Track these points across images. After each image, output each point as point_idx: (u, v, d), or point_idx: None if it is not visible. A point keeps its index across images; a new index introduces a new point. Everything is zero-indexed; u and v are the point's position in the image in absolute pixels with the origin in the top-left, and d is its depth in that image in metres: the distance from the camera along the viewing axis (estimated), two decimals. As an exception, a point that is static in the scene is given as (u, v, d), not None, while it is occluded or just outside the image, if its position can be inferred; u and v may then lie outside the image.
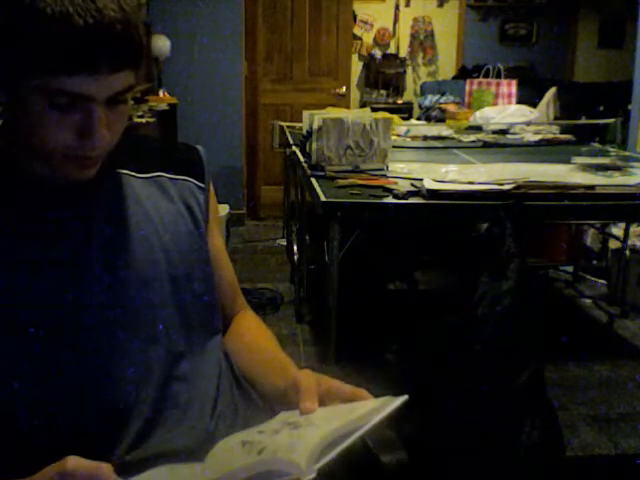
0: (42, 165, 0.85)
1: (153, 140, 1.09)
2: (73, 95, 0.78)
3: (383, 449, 0.99)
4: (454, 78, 6.25)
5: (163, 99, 4.29)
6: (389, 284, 3.81)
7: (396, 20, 6.64)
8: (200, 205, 1.01)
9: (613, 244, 3.66)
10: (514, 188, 2.28)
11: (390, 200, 2.29)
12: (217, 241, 1.07)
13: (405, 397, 0.80)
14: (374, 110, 3.96)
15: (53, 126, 0.79)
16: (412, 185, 2.42)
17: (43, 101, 0.78)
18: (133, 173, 0.96)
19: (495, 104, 4.40)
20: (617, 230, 3.60)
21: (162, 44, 4.40)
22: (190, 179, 1.01)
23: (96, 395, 0.87)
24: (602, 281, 3.80)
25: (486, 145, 3.60)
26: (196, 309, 0.94)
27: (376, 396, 0.87)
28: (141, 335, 0.88)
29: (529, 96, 4.66)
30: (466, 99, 4.69)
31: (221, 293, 1.05)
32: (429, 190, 2.27)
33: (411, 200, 2.29)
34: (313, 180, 2.53)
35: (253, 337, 1.09)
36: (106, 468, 0.70)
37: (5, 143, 0.89)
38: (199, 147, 1.07)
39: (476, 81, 4.72)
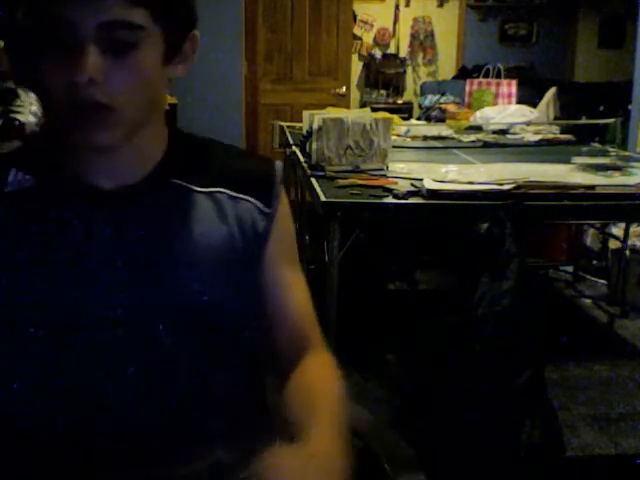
0: (64, 132, 0.82)
1: (228, 149, 0.99)
2: (60, 25, 0.74)
3: (399, 469, 0.93)
4: (454, 78, 6.25)
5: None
6: (389, 284, 3.81)
7: (396, 20, 6.64)
8: (257, 232, 0.92)
9: (613, 244, 3.66)
10: (514, 188, 2.28)
11: (390, 200, 2.29)
12: (285, 275, 0.96)
13: None
14: (374, 110, 3.96)
15: (50, 71, 0.76)
16: (412, 185, 2.42)
17: (39, 46, 0.76)
18: (191, 186, 0.90)
19: (495, 104, 4.40)
20: (617, 230, 3.60)
21: (162, 44, 4.39)
22: (254, 200, 0.92)
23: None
24: (602, 281, 3.80)
25: (486, 145, 3.59)
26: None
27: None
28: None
29: (529, 96, 4.66)
30: (466, 99, 4.69)
31: (283, 331, 0.97)
32: (429, 190, 2.27)
33: (411, 200, 2.29)
34: (313, 180, 2.53)
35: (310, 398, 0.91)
36: None
37: (48, 142, 0.89)
38: (277, 164, 0.98)
39: (476, 81, 4.72)
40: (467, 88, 4.69)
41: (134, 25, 0.76)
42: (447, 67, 6.73)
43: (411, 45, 6.75)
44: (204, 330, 0.93)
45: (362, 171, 2.66)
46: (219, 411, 0.95)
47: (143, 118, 0.84)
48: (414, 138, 3.69)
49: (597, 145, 3.72)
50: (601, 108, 4.89)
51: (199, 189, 0.90)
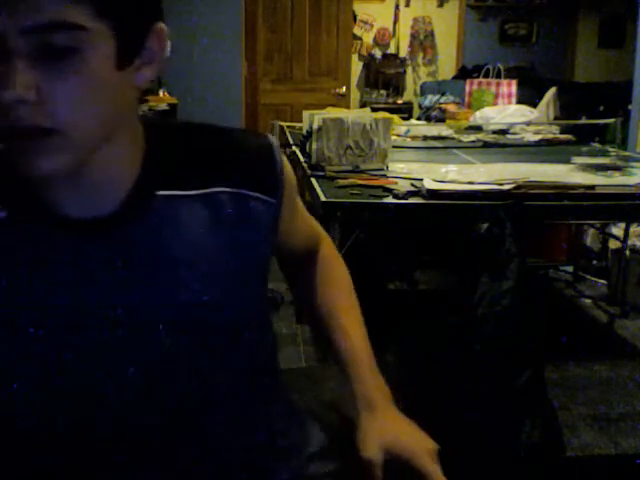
0: (12, 162, 0.69)
1: (214, 137, 0.89)
2: None
3: None
4: (454, 78, 6.26)
5: (163, 99, 4.29)
6: (389, 284, 3.80)
7: (396, 20, 6.64)
8: (260, 222, 0.86)
9: (613, 244, 3.66)
10: (514, 188, 2.28)
11: (390, 200, 2.29)
12: (291, 218, 0.98)
13: None
14: (374, 110, 3.95)
15: None
16: (412, 185, 2.42)
17: None
18: (181, 192, 0.80)
19: (495, 104, 4.40)
20: (617, 230, 3.60)
21: (162, 44, 4.39)
22: (256, 194, 0.86)
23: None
24: (602, 281, 3.80)
25: (486, 145, 3.59)
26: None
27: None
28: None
29: (529, 96, 4.66)
30: (466, 99, 4.69)
31: (290, 245, 1.05)
32: (429, 190, 2.27)
33: (411, 200, 2.29)
34: (313, 180, 2.53)
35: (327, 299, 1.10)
36: None
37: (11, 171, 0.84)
38: (273, 141, 0.89)
39: (476, 81, 4.72)
40: (467, 88, 4.69)
41: (71, 25, 0.63)
42: (447, 67, 6.73)
43: (411, 45, 6.75)
44: (204, 330, 0.93)
45: (362, 171, 2.66)
46: (219, 411, 0.95)
47: (102, 137, 0.71)
48: (414, 138, 3.70)
49: (597, 145, 3.71)
50: (601, 108, 4.89)
51: (192, 193, 0.81)
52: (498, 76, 4.88)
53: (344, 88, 5.40)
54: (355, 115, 2.84)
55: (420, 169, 2.69)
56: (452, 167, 2.67)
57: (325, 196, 2.29)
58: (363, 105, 6.10)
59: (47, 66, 0.63)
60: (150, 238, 0.79)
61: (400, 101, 6.52)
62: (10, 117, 0.64)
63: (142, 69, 0.73)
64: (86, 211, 0.76)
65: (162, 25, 0.76)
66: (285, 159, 0.92)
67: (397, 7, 6.60)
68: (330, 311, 1.08)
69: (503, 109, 4.11)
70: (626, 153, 3.50)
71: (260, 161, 0.88)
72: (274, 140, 0.90)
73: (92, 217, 0.76)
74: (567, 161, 2.89)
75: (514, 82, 4.55)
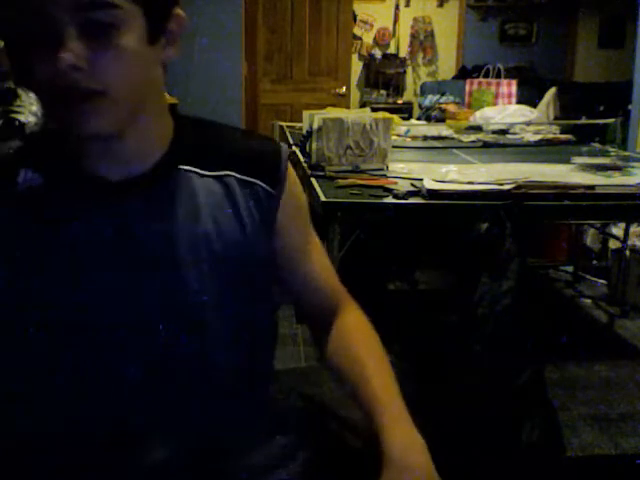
0: (59, 123, 0.82)
1: (234, 131, 1.00)
2: (36, 15, 0.74)
3: None
4: (454, 78, 6.25)
5: (163, 99, 4.29)
6: (389, 284, 3.80)
7: (396, 20, 6.64)
8: (264, 212, 0.93)
9: (613, 244, 3.66)
10: (514, 188, 2.28)
11: (390, 200, 2.29)
12: (296, 239, 1.00)
13: None
14: (374, 110, 3.94)
15: (35, 63, 0.76)
16: (412, 185, 2.42)
17: (23, 41, 0.76)
18: (199, 170, 0.91)
19: (495, 104, 4.40)
20: (617, 230, 3.60)
21: (162, 44, 4.39)
22: (259, 183, 0.94)
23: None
24: (602, 281, 3.80)
25: (486, 145, 3.59)
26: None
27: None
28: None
29: (529, 96, 4.66)
30: (466, 99, 4.69)
31: (312, 296, 1.01)
32: (429, 190, 2.27)
33: (411, 200, 2.29)
34: (313, 180, 2.53)
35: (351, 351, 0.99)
36: None
37: (51, 138, 0.89)
38: (283, 146, 0.99)
39: (476, 81, 4.72)
40: (467, 88, 4.69)
41: (110, 5, 0.75)
42: (447, 67, 6.73)
43: (411, 45, 6.75)
44: (204, 330, 0.93)
45: (362, 171, 2.66)
46: (219, 410, 0.95)
47: (138, 102, 0.82)
48: (414, 138, 3.69)
49: (597, 145, 3.71)
50: (601, 108, 4.89)
51: (208, 173, 0.91)
52: (498, 76, 4.88)
53: (344, 88, 5.40)
54: (355, 115, 2.84)
55: (420, 169, 2.69)
56: (452, 167, 2.67)
57: (325, 196, 2.29)
58: (363, 105, 6.10)
59: (91, 39, 0.74)
60: (170, 203, 0.87)
61: (400, 101, 6.52)
62: (65, 82, 0.74)
63: (167, 49, 0.85)
64: (117, 173, 0.86)
65: (180, 10, 0.85)
66: (292, 168, 0.98)
67: (397, 7, 6.60)
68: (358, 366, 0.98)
69: (503, 109, 4.11)
70: (626, 153, 3.49)
71: (267, 157, 0.96)
72: (285, 148, 0.99)
73: (122, 179, 0.85)
74: (567, 161, 2.89)
75: (514, 82, 4.55)
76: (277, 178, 0.95)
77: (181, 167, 0.90)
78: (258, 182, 0.93)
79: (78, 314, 0.85)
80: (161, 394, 0.89)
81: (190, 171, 0.90)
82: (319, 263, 1.05)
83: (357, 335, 1.02)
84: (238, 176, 0.92)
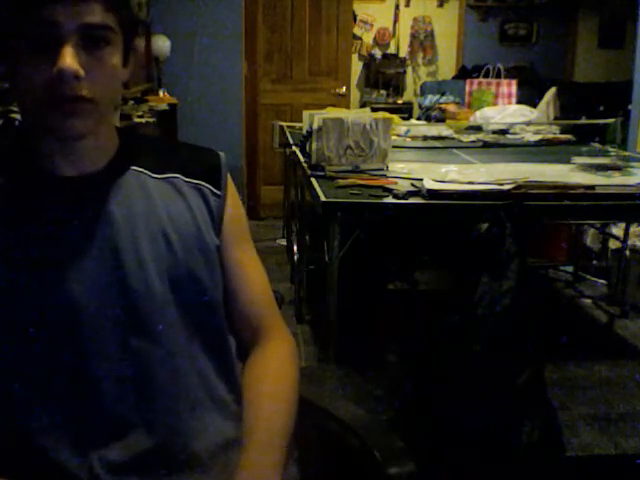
0: (40, 123, 0.87)
1: (174, 142, 1.11)
2: (42, 24, 0.81)
3: (390, 460, 0.95)
4: (454, 78, 6.25)
5: (163, 99, 4.29)
6: (389, 284, 3.80)
7: (396, 20, 6.64)
8: (212, 211, 0.98)
9: (613, 244, 3.66)
10: (514, 188, 2.28)
11: (390, 200, 2.29)
12: (238, 255, 1.01)
13: None
14: (374, 110, 3.95)
15: (31, 66, 0.83)
16: (412, 185, 2.42)
17: (22, 45, 0.82)
18: (148, 172, 0.96)
19: (495, 104, 4.40)
20: (617, 230, 3.60)
21: (162, 44, 4.40)
22: (206, 184, 0.99)
23: (96, 395, 0.87)
24: (602, 281, 3.80)
25: (486, 145, 3.60)
26: (196, 309, 0.94)
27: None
28: (141, 335, 0.88)
29: (529, 96, 4.66)
30: (466, 99, 4.69)
31: (237, 310, 1.00)
32: (429, 190, 2.27)
33: (411, 200, 2.29)
34: (313, 180, 2.53)
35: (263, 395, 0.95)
36: None
37: (19, 135, 0.94)
38: (221, 154, 1.05)
39: (476, 81, 4.72)
40: (467, 88, 4.69)
41: (108, 27, 0.86)
42: (447, 67, 6.72)
43: (411, 45, 6.74)
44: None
45: (362, 171, 2.67)
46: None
47: (109, 111, 0.93)
48: (414, 138, 3.70)
49: (597, 145, 3.71)
50: (601, 108, 4.89)
51: (155, 175, 0.97)
52: (498, 76, 4.88)
53: (344, 88, 5.40)
54: (355, 115, 2.84)
55: (420, 169, 2.69)
56: (452, 167, 2.67)
57: (325, 196, 2.29)
58: (363, 105, 6.10)
59: (88, 52, 0.84)
60: (127, 199, 0.92)
61: (400, 101, 6.51)
62: (63, 88, 0.82)
63: (126, 69, 0.94)
64: (73, 172, 0.91)
65: (139, 40, 0.90)
66: (230, 178, 1.03)
67: (397, 7, 6.60)
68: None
69: (503, 109, 4.11)
70: (626, 153, 3.49)
71: (209, 162, 1.03)
72: (224, 156, 1.05)
73: (79, 175, 0.91)
74: (567, 161, 2.89)
75: (514, 82, 4.55)
76: (220, 182, 1.01)
77: (133, 167, 0.95)
78: (203, 184, 0.99)
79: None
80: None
81: (140, 172, 0.96)
82: (253, 278, 1.03)
83: (269, 372, 0.98)
84: (184, 179, 0.98)
